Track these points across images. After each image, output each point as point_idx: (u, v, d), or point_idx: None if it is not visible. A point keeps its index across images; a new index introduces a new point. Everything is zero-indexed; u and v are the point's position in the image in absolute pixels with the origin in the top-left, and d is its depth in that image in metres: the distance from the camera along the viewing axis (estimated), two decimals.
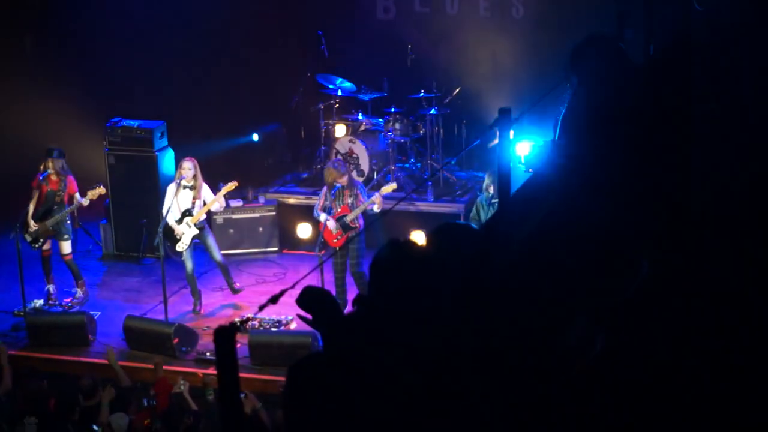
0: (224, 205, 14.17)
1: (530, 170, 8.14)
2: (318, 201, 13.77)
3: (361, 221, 13.61)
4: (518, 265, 5.08)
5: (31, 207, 13.99)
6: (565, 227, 5.65)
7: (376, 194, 13.52)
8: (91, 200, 14.02)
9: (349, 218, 13.44)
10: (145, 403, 10.89)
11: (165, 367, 12.03)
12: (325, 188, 13.65)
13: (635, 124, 6.38)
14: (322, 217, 13.53)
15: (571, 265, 5.19)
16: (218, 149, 16.42)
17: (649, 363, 5.04)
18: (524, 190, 6.49)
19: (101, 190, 14.03)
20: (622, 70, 6.69)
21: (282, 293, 4.15)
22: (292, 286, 4.47)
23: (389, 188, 13.71)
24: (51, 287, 14.39)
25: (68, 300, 14.33)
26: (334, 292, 13.32)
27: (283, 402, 4.55)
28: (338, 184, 13.42)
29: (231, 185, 13.80)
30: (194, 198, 13.68)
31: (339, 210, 13.49)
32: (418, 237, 13.91)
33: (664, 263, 5.51)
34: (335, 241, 13.47)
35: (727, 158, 6.46)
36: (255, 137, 17.26)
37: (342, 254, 13.48)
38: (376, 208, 13.50)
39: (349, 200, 13.46)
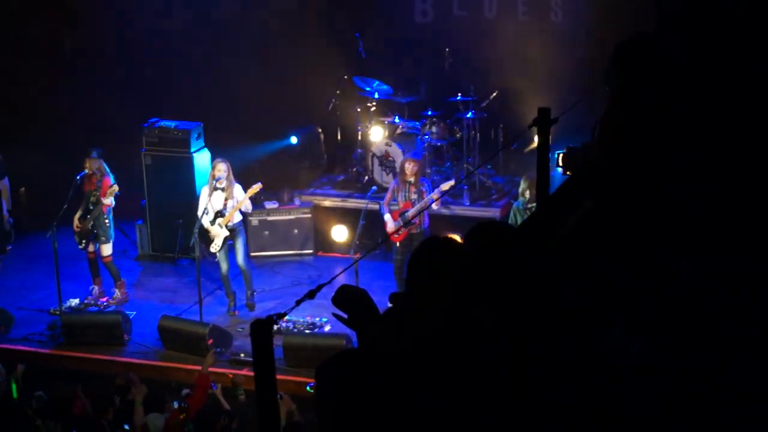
0: (250, 207, 14.05)
1: (568, 173, 8.07)
2: (385, 195, 14.05)
3: (427, 220, 13.70)
4: (555, 266, 5.03)
5: (79, 209, 14.13)
6: (601, 230, 5.60)
7: (436, 191, 13.68)
8: (112, 197, 14.07)
9: (410, 213, 13.54)
10: (176, 405, 10.86)
11: (199, 367, 12.05)
12: (393, 183, 14.03)
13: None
14: (387, 216, 13.85)
15: (608, 267, 5.14)
16: (255, 151, 16.41)
17: (687, 368, 4.98)
18: (561, 193, 6.43)
19: (115, 188, 14.04)
20: (663, 73, 6.61)
21: (320, 287, 4.13)
22: (330, 282, 4.45)
23: (448, 185, 13.94)
24: (95, 288, 14.50)
25: (105, 299, 14.40)
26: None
27: (315, 402, 4.51)
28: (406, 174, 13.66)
29: (255, 187, 13.80)
30: (226, 199, 13.71)
31: (402, 205, 13.65)
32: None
33: (706, 268, 5.45)
34: (396, 236, 13.62)
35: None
36: (293, 140, 17.22)
37: (402, 251, 13.64)
38: (434, 206, 13.67)
39: (414, 196, 13.67)
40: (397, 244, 13.77)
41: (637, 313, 5.18)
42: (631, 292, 5.25)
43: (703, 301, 5.33)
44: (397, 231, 13.58)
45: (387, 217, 13.89)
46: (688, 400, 4.88)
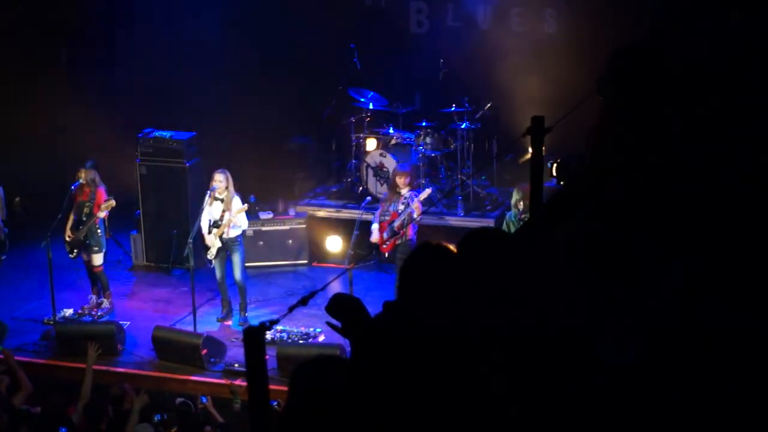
0: (243, 224, 13.92)
1: (562, 182, 8.09)
2: (380, 206, 14.25)
3: (412, 232, 13.73)
4: (549, 271, 5.03)
5: (70, 218, 14.10)
6: (592, 236, 5.61)
7: (415, 200, 13.70)
8: (107, 210, 14.06)
9: (396, 224, 13.60)
10: (157, 419, 10.82)
11: (193, 378, 12.08)
12: (384, 194, 14.40)
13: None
14: (374, 226, 13.99)
15: (601, 272, 5.14)
16: (249, 161, 16.39)
17: (684, 375, 4.98)
18: (554, 201, 6.44)
19: (112, 202, 14.04)
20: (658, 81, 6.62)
21: (312, 294, 4.13)
22: (323, 289, 4.46)
23: (424, 195, 14.01)
24: (93, 297, 14.47)
25: (95, 310, 14.36)
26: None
27: (285, 406, 4.50)
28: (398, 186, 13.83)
29: (243, 207, 13.77)
30: (224, 210, 13.70)
31: (390, 216, 13.73)
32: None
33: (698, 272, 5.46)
34: (384, 246, 13.77)
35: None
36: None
37: (388, 261, 13.73)
38: (415, 215, 13.68)
39: (401, 207, 13.68)
40: (386, 254, 13.87)
41: (635, 317, 5.19)
42: (628, 295, 5.26)
43: (701, 303, 5.34)
44: (383, 242, 13.65)
45: (374, 227, 13.98)
46: (687, 400, 4.88)
